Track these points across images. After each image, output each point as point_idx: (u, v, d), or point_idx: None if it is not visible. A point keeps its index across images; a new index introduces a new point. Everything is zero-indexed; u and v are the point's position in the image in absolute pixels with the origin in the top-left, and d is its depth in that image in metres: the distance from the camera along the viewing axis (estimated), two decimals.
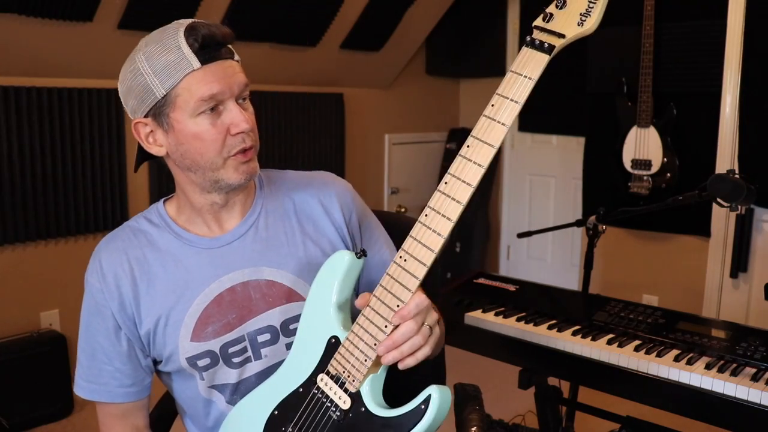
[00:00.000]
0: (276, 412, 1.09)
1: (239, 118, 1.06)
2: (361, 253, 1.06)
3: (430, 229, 0.94)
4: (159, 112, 1.06)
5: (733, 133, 2.99)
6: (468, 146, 0.92)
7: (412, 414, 0.96)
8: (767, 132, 2.89)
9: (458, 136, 4.59)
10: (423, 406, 0.95)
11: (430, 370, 1.20)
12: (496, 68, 4.36)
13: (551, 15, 0.88)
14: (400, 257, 0.97)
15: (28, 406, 2.73)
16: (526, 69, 0.89)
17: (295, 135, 3.76)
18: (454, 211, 0.92)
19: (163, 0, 2.79)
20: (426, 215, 0.95)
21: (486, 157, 0.90)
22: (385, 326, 0.97)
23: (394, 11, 3.78)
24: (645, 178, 3.26)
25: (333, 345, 1.04)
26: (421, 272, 0.94)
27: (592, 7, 0.85)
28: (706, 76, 3.17)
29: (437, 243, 0.93)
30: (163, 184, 3.18)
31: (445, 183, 0.93)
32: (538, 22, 0.89)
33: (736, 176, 1.69)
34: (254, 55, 3.36)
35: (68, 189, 2.90)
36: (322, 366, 1.05)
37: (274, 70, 3.55)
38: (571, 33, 0.87)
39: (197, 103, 1.03)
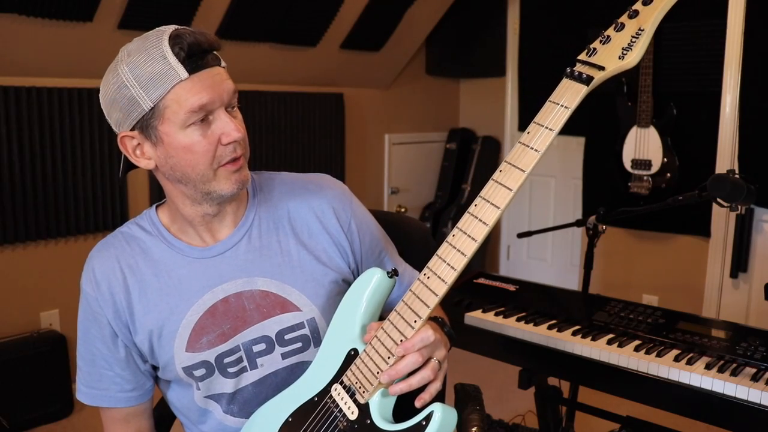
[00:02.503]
0: (290, 419, 1.10)
1: (230, 127, 1.03)
2: (392, 273, 1.07)
3: (455, 248, 0.95)
4: (146, 124, 1.02)
5: (733, 133, 2.99)
6: (500, 171, 0.94)
7: (411, 430, 0.97)
8: (767, 132, 2.89)
9: (458, 136, 4.59)
10: (424, 423, 0.96)
11: None
12: (496, 68, 4.36)
13: (594, 50, 0.90)
14: (424, 274, 0.98)
15: (28, 406, 2.73)
16: (563, 99, 0.91)
17: (295, 135, 3.76)
18: (480, 232, 0.93)
19: (163, 0, 2.79)
20: (453, 235, 0.96)
21: (516, 181, 0.92)
22: (401, 340, 0.98)
23: (394, 11, 3.77)
24: (645, 178, 3.26)
25: (351, 357, 1.05)
26: (442, 289, 0.95)
27: (634, 42, 0.86)
28: (706, 76, 3.17)
29: (460, 262, 0.94)
30: None
31: (475, 205, 0.95)
32: (582, 56, 0.91)
33: (736, 176, 1.69)
34: (254, 55, 3.36)
35: (68, 189, 2.90)
36: (338, 376, 1.06)
37: (274, 70, 3.55)
38: (612, 66, 0.88)
39: (187, 114, 1.00)
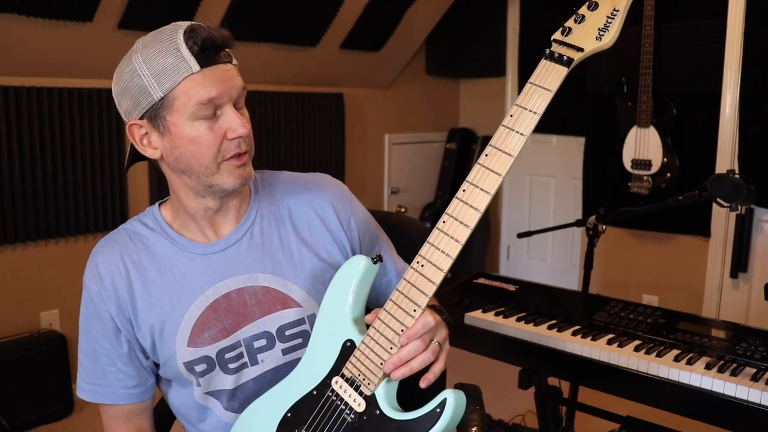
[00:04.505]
0: (289, 414, 1.10)
1: (237, 122, 1.05)
2: (377, 259, 1.07)
3: (448, 235, 0.95)
4: (155, 114, 1.05)
5: (733, 133, 2.99)
6: (486, 155, 0.93)
7: (427, 417, 0.97)
8: (767, 132, 2.89)
9: (458, 136, 4.59)
10: (438, 410, 0.96)
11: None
12: (496, 68, 4.36)
13: (570, 29, 0.90)
14: (417, 262, 0.98)
15: (28, 406, 2.73)
16: (545, 81, 0.90)
17: (295, 135, 3.76)
18: (472, 218, 0.93)
19: (163, 0, 2.79)
20: (444, 222, 0.96)
21: (504, 165, 0.91)
22: (401, 330, 0.98)
23: (394, 11, 3.77)
24: (645, 178, 3.26)
25: (348, 348, 1.05)
26: (438, 277, 0.95)
27: (610, 23, 0.87)
28: (706, 76, 3.16)
29: (454, 249, 0.94)
30: (163, 184, 3.18)
31: (463, 190, 0.94)
32: (557, 35, 0.91)
33: (736, 176, 1.69)
34: (254, 55, 3.36)
35: (68, 189, 2.90)
36: (336, 369, 1.06)
37: (274, 70, 3.55)
38: (590, 47, 0.89)
39: (195, 106, 1.03)
